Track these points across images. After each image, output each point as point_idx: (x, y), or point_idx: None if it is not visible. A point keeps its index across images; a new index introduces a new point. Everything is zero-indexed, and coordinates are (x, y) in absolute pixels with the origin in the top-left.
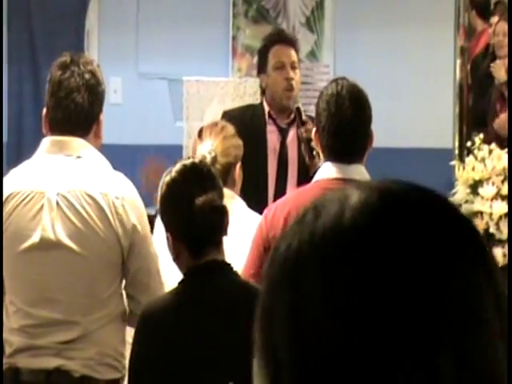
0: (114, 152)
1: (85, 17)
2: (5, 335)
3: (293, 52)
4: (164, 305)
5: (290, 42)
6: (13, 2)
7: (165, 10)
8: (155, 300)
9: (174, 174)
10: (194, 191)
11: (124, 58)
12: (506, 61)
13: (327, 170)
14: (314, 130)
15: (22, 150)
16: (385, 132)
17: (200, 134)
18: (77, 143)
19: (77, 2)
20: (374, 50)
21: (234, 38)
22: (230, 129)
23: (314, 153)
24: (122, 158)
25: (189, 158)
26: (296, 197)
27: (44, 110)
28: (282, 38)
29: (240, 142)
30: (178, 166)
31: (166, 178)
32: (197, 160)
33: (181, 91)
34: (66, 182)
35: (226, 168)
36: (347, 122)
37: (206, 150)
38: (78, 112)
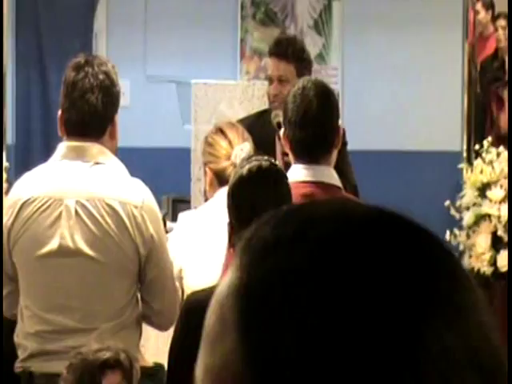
0: (121, 155)
1: (93, 19)
2: (19, 340)
3: (283, 65)
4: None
5: (282, 54)
6: (21, 4)
7: (173, 12)
8: (202, 289)
9: (246, 171)
10: (258, 194)
11: (132, 60)
12: None
13: (296, 173)
14: (282, 130)
15: (30, 152)
16: (393, 135)
17: (222, 132)
18: (94, 149)
19: (85, 4)
20: (382, 52)
21: (242, 40)
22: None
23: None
24: (130, 160)
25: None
26: None
27: (59, 112)
28: (274, 50)
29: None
30: (254, 163)
31: (240, 171)
32: (272, 163)
33: (189, 94)
34: (85, 190)
35: None
36: (312, 111)
37: (247, 151)
38: (91, 113)
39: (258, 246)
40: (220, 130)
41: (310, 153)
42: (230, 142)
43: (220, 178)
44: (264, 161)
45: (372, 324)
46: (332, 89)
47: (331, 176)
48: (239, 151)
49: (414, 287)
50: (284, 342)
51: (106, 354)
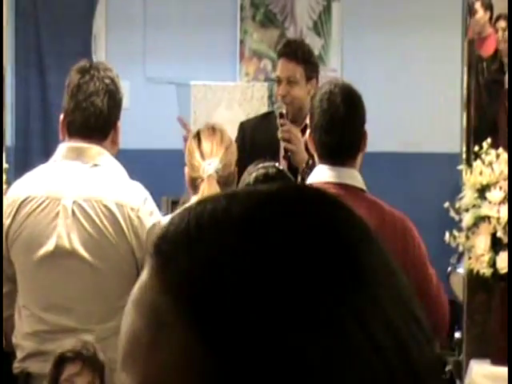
0: (121, 156)
1: (92, 21)
2: (17, 340)
3: (292, 66)
4: None
5: (292, 55)
6: (20, 5)
7: (172, 14)
8: None
9: (253, 179)
10: None
11: (131, 62)
12: None
13: (320, 173)
14: (309, 131)
15: (29, 154)
16: (392, 136)
17: (199, 140)
18: (94, 151)
19: (84, 6)
20: (382, 54)
21: (241, 41)
22: (226, 134)
23: (289, 154)
24: (130, 162)
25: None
26: None
27: (61, 116)
28: (284, 51)
29: (235, 146)
30: (261, 171)
31: (247, 179)
32: (279, 170)
33: (188, 96)
34: (83, 191)
35: (228, 178)
36: (339, 117)
37: (214, 168)
38: (97, 115)
39: (179, 239)
40: (198, 137)
41: (335, 156)
42: (201, 154)
43: (192, 185)
44: (271, 168)
45: (304, 299)
46: (359, 93)
47: (355, 178)
48: (207, 166)
49: (329, 260)
50: (242, 317)
51: (64, 348)
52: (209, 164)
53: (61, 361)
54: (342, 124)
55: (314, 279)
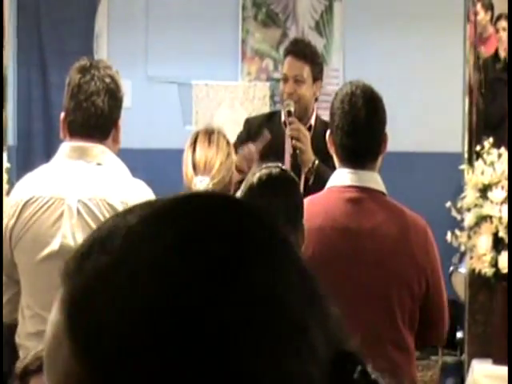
0: (122, 156)
1: (94, 20)
2: (21, 340)
3: (300, 65)
4: None
5: (300, 53)
6: (22, 5)
7: (174, 13)
8: None
9: (256, 180)
10: (268, 203)
11: (133, 61)
12: None
13: (341, 177)
14: (329, 132)
15: (31, 153)
16: (394, 136)
17: (194, 149)
18: (97, 150)
19: (86, 5)
20: (384, 53)
21: (243, 41)
22: (223, 144)
23: (297, 151)
24: (131, 162)
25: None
26: (309, 205)
27: (62, 115)
28: (292, 50)
29: (233, 157)
30: (264, 171)
31: (250, 180)
32: (282, 170)
33: (190, 95)
34: (87, 190)
35: (222, 190)
36: (361, 120)
37: (204, 186)
38: (97, 115)
39: (76, 254)
40: (194, 145)
41: (356, 159)
42: (194, 167)
43: (189, 190)
44: (274, 168)
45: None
46: (380, 95)
47: (376, 181)
48: (198, 182)
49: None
50: (113, 331)
51: (25, 361)
52: (200, 181)
53: (25, 374)
54: (363, 127)
55: (175, 304)
